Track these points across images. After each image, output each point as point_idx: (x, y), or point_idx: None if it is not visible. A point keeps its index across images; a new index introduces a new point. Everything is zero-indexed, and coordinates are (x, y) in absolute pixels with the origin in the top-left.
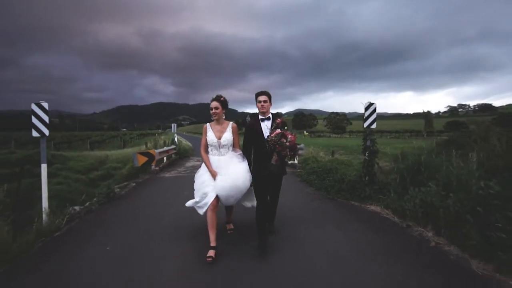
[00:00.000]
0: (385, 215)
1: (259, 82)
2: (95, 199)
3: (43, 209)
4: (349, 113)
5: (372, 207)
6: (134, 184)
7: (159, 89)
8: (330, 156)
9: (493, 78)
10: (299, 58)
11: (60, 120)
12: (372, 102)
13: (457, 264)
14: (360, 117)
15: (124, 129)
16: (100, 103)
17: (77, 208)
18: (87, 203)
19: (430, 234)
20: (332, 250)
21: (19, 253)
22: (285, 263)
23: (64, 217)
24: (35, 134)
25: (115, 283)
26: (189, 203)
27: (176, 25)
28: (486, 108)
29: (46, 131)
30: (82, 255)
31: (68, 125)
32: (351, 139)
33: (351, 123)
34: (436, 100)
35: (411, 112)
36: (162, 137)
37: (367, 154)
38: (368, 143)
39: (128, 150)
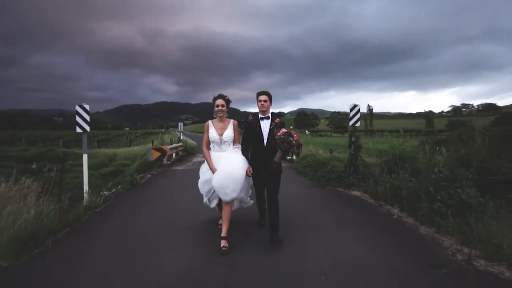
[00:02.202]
0: (363, 198)
1: (261, 81)
2: (119, 186)
3: (85, 191)
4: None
5: (354, 192)
6: (149, 175)
7: (162, 88)
8: (329, 154)
9: (497, 77)
10: (302, 57)
11: (64, 119)
12: (356, 103)
13: (409, 229)
14: (363, 117)
15: (127, 128)
16: (103, 102)
17: (106, 193)
18: (113, 189)
19: (396, 210)
20: (318, 222)
21: (73, 221)
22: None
23: (101, 198)
24: (78, 130)
25: (151, 241)
26: (205, 201)
27: (179, 25)
28: (490, 108)
29: (88, 128)
30: (122, 223)
31: (72, 124)
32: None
33: None
34: (440, 100)
35: (414, 112)
36: (166, 136)
37: (352, 149)
38: (352, 139)
39: (135, 148)
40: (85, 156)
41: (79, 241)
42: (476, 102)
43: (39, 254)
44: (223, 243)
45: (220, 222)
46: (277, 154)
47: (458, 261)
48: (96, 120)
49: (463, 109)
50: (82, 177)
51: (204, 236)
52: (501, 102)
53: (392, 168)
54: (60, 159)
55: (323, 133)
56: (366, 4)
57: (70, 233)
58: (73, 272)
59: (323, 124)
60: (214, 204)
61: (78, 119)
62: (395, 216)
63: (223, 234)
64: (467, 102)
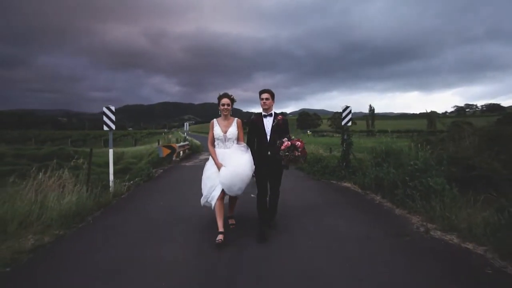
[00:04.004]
0: (353, 188)
1: (264, 81)
2: (137, 178)
3: (111, 180)
4: (354, 113)
5: (345, 184)
6: (161, 170)
7: (165, 89)
8: (329, 153)
9: (502, 77)
10: (304, 57)
11: (68, 119)
12: (348, 105)
13: (387, 211)
14: (365, 117)
15: (131, 129)
16: (107, 102)
17: (126, 183)
18: (131, 181)
19: (378, 197)
20: (312, 205)
21: (104, 204)
22: (279, 216)
23: (125, 187)
24: (106, 128)
25: (169, 219)
26: (202, 202)
27: (182, 26)
28: (494, 108)
29: (113, 126)
30: (146, 207)
31: (76, 124)
32: (352, 138)
33: (355, 123)
34: (443, 100)
35: (417, 112)
36: (170, 135)
37: (344, 146)
38: (345, 137)
39: (141, 148)
40: (110, 151)
41: (113, 218)
42: (480, 103)
43: (83, 227)
44: (231, 221)
45: (232, 221)
46: (284, 158)
47: (419, 232)
48: (99, 120)
49: (467, 110)
50: (94, 174)
51: (214, 216)
52: (506, 102)
53: (380, 163)
54: (88, 155)
55: (324, 133)
56: (370, 4)
57: (104, 212)
58: (112, 239)
59: (325, 125)
60: (213, 203)
61: (105, 118)
62: (377, 202)
63: (230, 214)
64: (471, 103)
